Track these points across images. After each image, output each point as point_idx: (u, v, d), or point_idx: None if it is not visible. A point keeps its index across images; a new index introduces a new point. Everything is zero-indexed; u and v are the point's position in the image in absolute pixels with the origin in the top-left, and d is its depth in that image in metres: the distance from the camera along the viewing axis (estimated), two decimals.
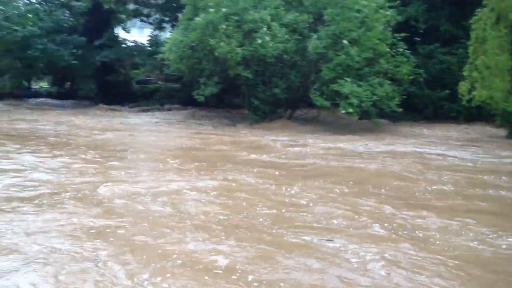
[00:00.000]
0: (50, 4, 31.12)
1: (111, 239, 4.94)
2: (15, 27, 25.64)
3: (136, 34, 35.39)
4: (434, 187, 7.90)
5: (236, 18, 17.52)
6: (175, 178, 8.25)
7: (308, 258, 4.53)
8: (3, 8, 26.25)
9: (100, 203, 6.37)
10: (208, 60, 19.16)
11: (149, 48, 30.02)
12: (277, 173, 8.92)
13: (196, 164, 9.58)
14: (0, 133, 14.09)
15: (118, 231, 5.20)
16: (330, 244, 4.91)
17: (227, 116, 21.89)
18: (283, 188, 7.52)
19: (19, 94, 31.94)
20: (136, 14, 32.57)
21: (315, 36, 17.38)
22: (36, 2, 30.41)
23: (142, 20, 33.84)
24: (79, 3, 30.71)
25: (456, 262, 4.49)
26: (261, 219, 5.80)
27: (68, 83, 34.72)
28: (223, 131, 16.81)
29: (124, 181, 7.79)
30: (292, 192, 7.33)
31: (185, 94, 26.00)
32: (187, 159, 10.37)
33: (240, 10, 17.62)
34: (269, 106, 19.32)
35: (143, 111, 26.21)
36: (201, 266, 4.26)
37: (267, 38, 16.83)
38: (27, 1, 28.83)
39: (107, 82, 30.30)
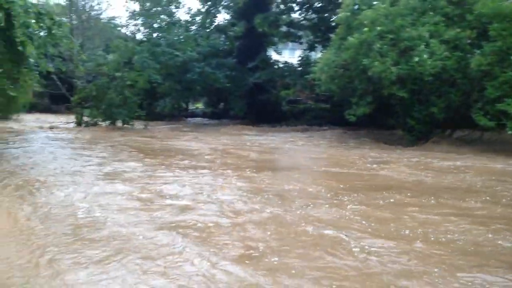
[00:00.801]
0: (207, 30, 34.66)
1: None
2: (176, 53, 29.23)
3: (286, 55, 37.78)
4: None
5: (392, 36, 18.00)
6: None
7: None
8: (167, 36, 30.05)
9: None
10: (360, 80, 19.87)
11: (300, 69, 31.81)
12: None
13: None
14: (167, 150, 16.46)
15: None
16: None
17: (380, 137, 22.20)
18: None
19: (178, 115, 36.17)
20: (288, 36, 34.74)
21: (478, 52, 17.08)
22: (195, 28, 34.08)
23: (293, 41, 35.92)
24: (234, 28, 33.91)
25: None
26: None
27: (222, 103, 38.12)
28: (388, 153, 16.77)
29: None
30: None
31: (335, 114, 27.13)
32: (399, 193, 9.36)
33: (396, 28, 18.06)
34: (426, 126, 19.28)
35: (294, 130, 27.89)
36: None
37: (425, 56, 17.01)
38: (187, 28, 32.44)
39: (258, 102, 32.79)
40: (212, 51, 32.05)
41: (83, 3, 34.76)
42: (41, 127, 25.82)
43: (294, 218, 7.18)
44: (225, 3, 35.16)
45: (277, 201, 8.42)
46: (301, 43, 35.19)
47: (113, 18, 35.52)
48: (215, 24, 35.30)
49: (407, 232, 6.57)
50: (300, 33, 34.49)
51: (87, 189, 9.20)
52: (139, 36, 31.63)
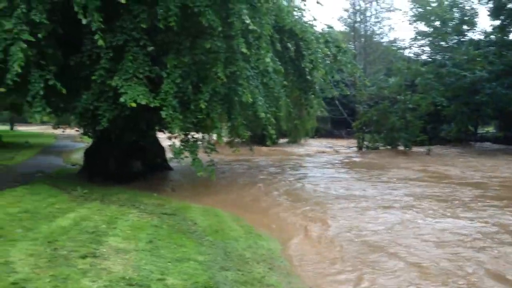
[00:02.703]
0: (500, 46, 31.03)
1: None
2: (464, 73, 26.87)
3: None
4: None
5: None
6: None
7: None
8: (454, 56, 27.98)
9: None
10: None
11: None
12: None
13: None
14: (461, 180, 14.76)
15: None
16: None
17: None
18: None
19: (465, 139, 33.16)
20: None
21: None
22: (485, 45, 30.85)
23: None
24: None
25: None
26: None
27: None
28: None
29: None
30: None
31: None
32: None
33: None
34: None
35: None
36: None
37: None
38: (477, 46, 29.62)
39: None
40: (506, 69, 28.42)
41: (365, 29, 35.47)
42: (323, 152, 27.05)
43: None
44: None
45: None
46: None
47: (395, 41, 35.22)
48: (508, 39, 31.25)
49: None
50: None
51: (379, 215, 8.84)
52: (422, 57, 30.43)
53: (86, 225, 6.88)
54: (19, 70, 8.97)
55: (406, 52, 32.59)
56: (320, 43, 14.09)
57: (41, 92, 9.57)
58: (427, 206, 10.02)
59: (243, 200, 11.27)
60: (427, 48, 30.11)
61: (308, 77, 14.75)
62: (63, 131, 16.87)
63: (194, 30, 10.80)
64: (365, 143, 27.93)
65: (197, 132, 11.88)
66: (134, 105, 9.58)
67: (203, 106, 10.25)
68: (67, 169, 15.68)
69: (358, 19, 34.40)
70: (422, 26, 29.68)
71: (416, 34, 29.99)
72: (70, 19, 10.16)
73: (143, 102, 9.68)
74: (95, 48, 10.15)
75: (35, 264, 4.91)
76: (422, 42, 30.15)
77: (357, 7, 34.47)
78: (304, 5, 16.22)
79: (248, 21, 9.76)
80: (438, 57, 29.44)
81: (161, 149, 16.25)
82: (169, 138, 11.97)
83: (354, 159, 22.45)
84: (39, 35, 9.39)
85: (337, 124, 37.53)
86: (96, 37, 9.42)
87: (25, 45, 9.14)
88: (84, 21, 9.31)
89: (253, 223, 8.67)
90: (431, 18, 29.87)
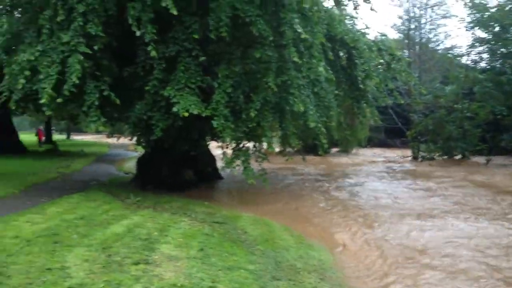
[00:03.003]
0: None
1: None
2: None
3: None
4: None
5: None
6: None
7: None
8: None
9: None
10: None
11: None
12: None
13: None
14: None
15: None
16: None
17: None
18: None
19: None
20: None
21: None
22: None
23: None
24: None
25: None
26: None
27: None
28: None
29: None
30: None
31: None
32: None
33: None
34: None
35: None
36: None
37: None
38: None
39: None
40: None
41: (420, 36, 34.52)
42: (375, 162, 26.46)
43: None
44: None
45: None
46: None
47: (451, 48, 34.07)
48: None
49: None
50: None
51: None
52: (481, 65, 29.22)
53: (139, 232, 6.97)
54: (77, 81, 9.28)
55: (463, 60, 31.41)
56: (373, 52, 13.80)
57: (96, 103, 9.85)
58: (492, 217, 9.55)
59: (292, 210, 11.16)
60: (485, 55, 28.84)
61: (361, 85, 14.46)
62: (117, 140, 17.32)
63: (245, 39, 10.82)
64: (420, 152, 27.13)
65: (248, 141, 11.86)
66: (186, 114, 9.68)
67: (253, 115, 10.22)
68: (120, 177, 16.08)
69: (413, 26, 33.49)
70: (480, 32, 28.49)
71: (474, 40, 28.81)
72: (124, 32, 10.43)
73: (195, 112, 9.76)
74: (148, 59, 10.36)
75: (90, 269, 5.00)
76: (480, 49, 28.91)
77: (412, 14, 33.60)
78: (356, 13, 15.92)
79: (300, 30, 9.66)
80: (498, 64, 28.15)
81: (212, 158, 16.37)
82: (221, 147, 12.02)
83: (409, 168, 21.81)
84: (95, 47, 9.70)
85: (391, 133, 36.68)
86: (149, 48, 9.61)
87: (81, 57, 9.45)
88: (138, 33, 9.53)
89: (303, 232, 8.56)
90: (490, 23, 28.68)
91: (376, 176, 18.69)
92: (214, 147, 14.91)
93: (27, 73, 9.77)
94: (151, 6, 9.61)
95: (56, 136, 48.23)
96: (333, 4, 13.47)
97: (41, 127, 34.91)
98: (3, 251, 5.53)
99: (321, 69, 10.77)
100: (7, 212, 8.25)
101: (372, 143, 36.68)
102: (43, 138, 32.66)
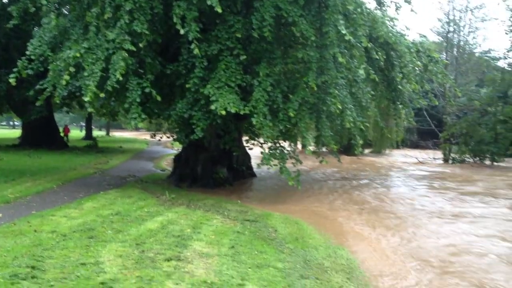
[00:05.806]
0: None
1: None
2: None
3: None
4: None
5: None
6: None
7: None
8: None
9: None
10: None
11: None
12: None
13: None
14: None
15: None
16: None
17: None
18: None
19: None
20: None
21: None
22: None
23: None
24: None
25: None
26: None
27: None
28: None
29: None
30: None
31: None
32: None
33: None
34: None
35: None
36: None
37: None
38: None
39: None
40: None
41: (458, 39, 33.74)
42: (407, 163, 26.10)
43: None
44: None
45: None
46: None
47: (489, 51, 33.32)
48: None
49: None
50: None
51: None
52: None
53: (173, 229, 7.07)
54: (120, 78, 9.40)
55: (500, 63, 30.73)
56: (411, 53, 13.60)
57: (138, 99, 9.96)
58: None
59: (323, 209, 11.09)
60: None
61: (399, 87, 14.26)
62: (159, 140, 17.48)
63: (287, 39, 10.79)
64: (452, 155, 26.69)
65: (285, 140, 11.84)
66: (223, 112, 9.70)
67: (292, 115, 10.19)
68: (156, 174, 16.24)
69: (452, 29, 32.73)
70: None
71: None
72: (168, 30, 10.53)
73: (233, 110, 9.79)
74: (190, 58, 10.43)
75: (123, 265, 5.09)
76: None
77: (451, 17, 32.81)
78: (398, 13, 15.67)
79: (344, 32, 9.57)
80: None
81: (247, 156, 16.39)
82: (260, 145, 11.99)
83: (440, 171, 21.42)
84: (140, 45, 9.81)
85: (424, 134, 36.17)
86: (192, 46, 9.66)
87: (126, 54, 9.57)
88: (182, 31, 9.59)
89: (332, 232, 8.51)
90: None
91: (407, 177, 18.49)
92: (249, 146, 14.95)
93: (71, 69, 9.93)
94: (196, 4, 9.67)
95: (96, 132, 49.15)
96: (375, 5, 13.31)
97: (67, 125, 36.27)
98: (40, 245, 5.68)
99: (361, 71, 10.67)
100: (45, 207, 8.47)
101: (405, 144, 36.24)
102: (69, 135, 33.60)
